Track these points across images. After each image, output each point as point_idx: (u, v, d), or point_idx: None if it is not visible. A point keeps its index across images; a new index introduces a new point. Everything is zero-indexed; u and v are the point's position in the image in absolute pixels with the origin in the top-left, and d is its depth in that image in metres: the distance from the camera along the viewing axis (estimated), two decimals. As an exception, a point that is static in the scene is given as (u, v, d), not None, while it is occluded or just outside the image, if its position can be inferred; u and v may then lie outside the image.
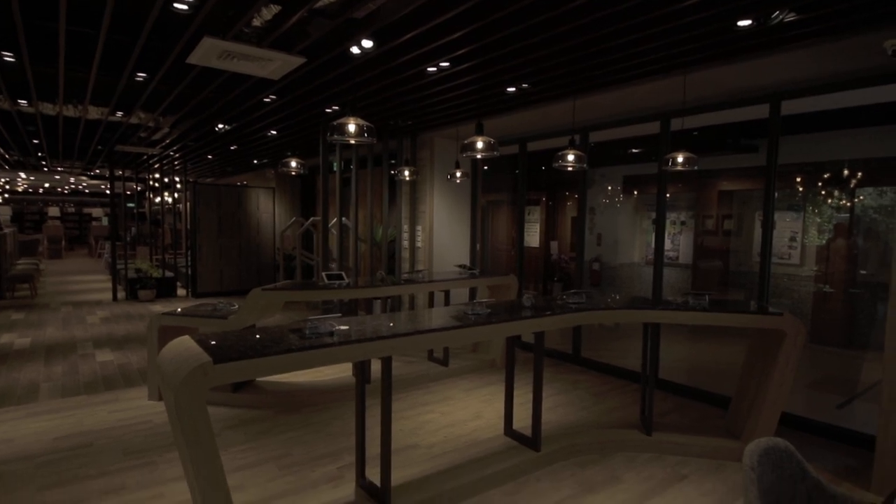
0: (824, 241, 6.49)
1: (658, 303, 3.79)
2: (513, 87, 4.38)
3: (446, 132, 6.53)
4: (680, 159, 3.58)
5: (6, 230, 10.30)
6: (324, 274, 4.63)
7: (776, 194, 4.29)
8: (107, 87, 4.85)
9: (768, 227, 4.32)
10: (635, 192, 9.77)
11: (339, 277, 4.67)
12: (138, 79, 4.48)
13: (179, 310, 4.54)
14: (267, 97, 4.98)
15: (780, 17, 2.87)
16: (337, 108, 5.33)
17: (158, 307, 9.23)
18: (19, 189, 23.79)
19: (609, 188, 9.80)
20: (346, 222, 7.75)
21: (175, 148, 8.59)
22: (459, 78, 4.20)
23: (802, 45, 3.31)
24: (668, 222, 9.41)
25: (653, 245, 9.91)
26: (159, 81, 4.54)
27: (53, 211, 21.25)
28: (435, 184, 6.91)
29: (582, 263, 5.91)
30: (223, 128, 6.63)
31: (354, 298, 4.80)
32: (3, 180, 17.81)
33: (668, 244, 9.40)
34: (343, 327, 2.67)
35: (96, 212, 24.12)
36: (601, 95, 4.55)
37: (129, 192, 16.59)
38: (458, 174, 5.48)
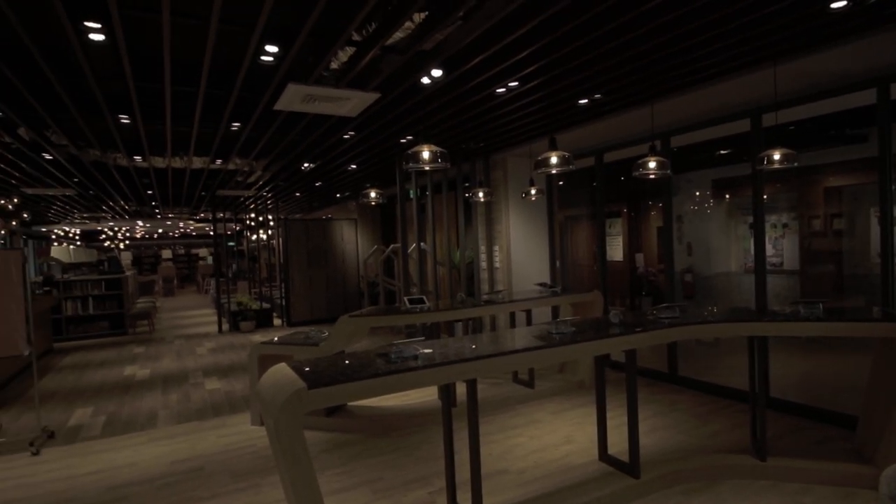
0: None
1: (764, 313, 3.49)
2: (585, 98, 4.31)
3: (519, 151, 6.53)
4: (777, 157, 3.32)
5: (127, 273, 11.55)
6: (406, 299, 4.73)
7: (894, 187, 3.84)
8: (207, 138, 5.36)
9: (887, 223, 3.87)
10: (727, 196, 9.14)
11: (421, 301, 4.76)
12: (233, 128, 4.91)
13: (276, 339, 4.82)
14: (346, 134, 5.26)
15: (881, -7, 2.61)
16: (410, 137, 5.51)
17: (258, 337, 9.86)
18: (137, 236, 26.65)
19: (697, 194, 9.26)
20: (424, 247, 7.90)
21: (267, 189, 9.26)
22: (529, 95, 4.21)
23: (911, 20, 2.98)
24: (768, 225, 8.70)
25: (752, 251, 9.19)
26: (251, 129, 4.95)
27: (166, 253, 23.64)
28: (510, 203, 6.89)
29: (672, 275, 5.60)
30: (308, 166, 7.07)
31: (436, 322, 4.86)
32: (124, 229, 20.06)
33: (769, 249, 8.67)
34: (427, 350, 2.70)
35: (202, 252, 26.46)
36: (681, 97, 4.35)
37: (229, 233, 18.09)
38: (533, 192, 5.43)
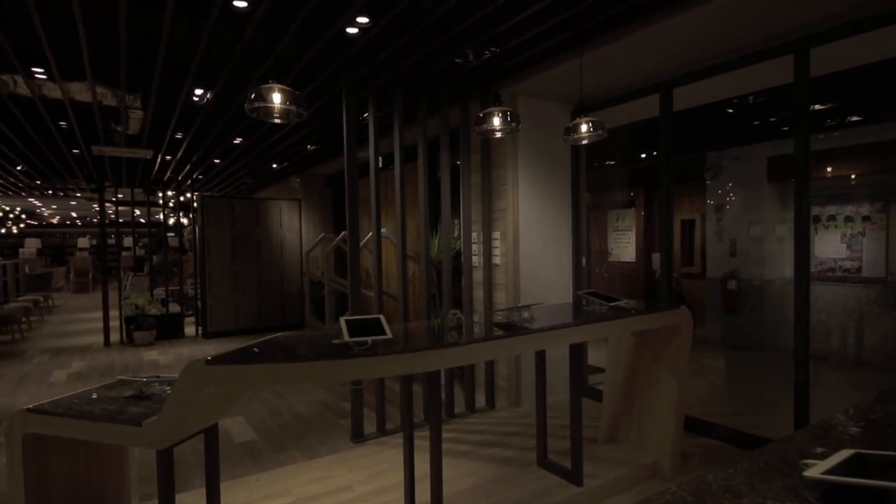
0: None
1: None
2: None
3: (542, 77, 4.12)
4: None
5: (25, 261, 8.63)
6: (343, 321, 2.27)
7: None
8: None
9: None
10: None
11: (375, 327, 2.29)
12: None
13: (62, 398, 2.27)
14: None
15: None
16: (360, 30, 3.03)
17: (154, 354, 7.19)
18: (54, 221, 23.08)
19: (743, 177, 7.12)
20: (386, 234, 5.46)
21: (163, 150, 6.57)
22: None
23: None
24: (840, 219, 6.66)
25: (816, 252, 7.06)
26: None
27: (83, 242, 20.13)
28: (519, 169, 4.51)
29: (808, 280, 3.33)
30: (204, 96, 4.49)
31: (405, 374, 2.39)
32: (17, 209, 16.66)
33: (843, 251, 6.62)
34: None
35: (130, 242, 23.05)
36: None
37: (160, 219, 15.06)
38: (584, 129, 3.05)
